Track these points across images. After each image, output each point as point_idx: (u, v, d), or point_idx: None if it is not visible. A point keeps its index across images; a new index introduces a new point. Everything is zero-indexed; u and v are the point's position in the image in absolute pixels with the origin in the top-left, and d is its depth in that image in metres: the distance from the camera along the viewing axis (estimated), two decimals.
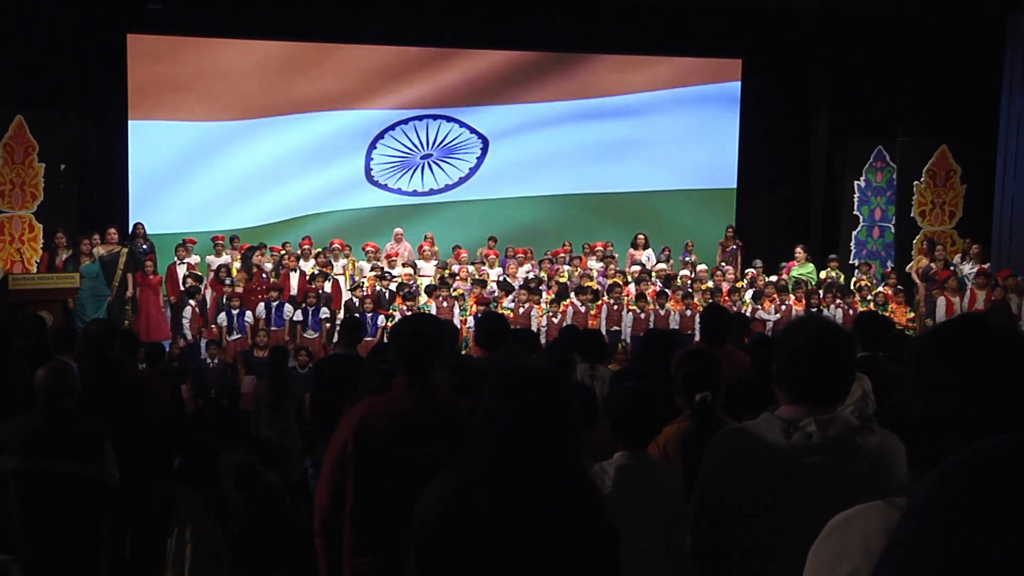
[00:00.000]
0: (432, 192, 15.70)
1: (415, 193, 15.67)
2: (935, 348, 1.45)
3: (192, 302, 11.56)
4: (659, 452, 3.56)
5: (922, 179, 14.52)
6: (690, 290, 12.18)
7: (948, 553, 0.81)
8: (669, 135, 16.00)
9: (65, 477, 3.78)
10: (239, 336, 11.15)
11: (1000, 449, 0.86)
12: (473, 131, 15.71)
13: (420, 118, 15.50)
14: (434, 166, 15.69)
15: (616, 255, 13.81)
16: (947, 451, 1.33)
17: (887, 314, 10.98)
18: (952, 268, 12.95)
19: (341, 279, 12.67)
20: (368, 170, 15.52)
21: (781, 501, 2.21)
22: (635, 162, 15.97)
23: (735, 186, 16.08)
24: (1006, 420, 1.32)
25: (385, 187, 15.56)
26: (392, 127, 15.47)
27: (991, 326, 1.48)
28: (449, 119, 15.61)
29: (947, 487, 0.86)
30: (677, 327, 11.25)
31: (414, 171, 15.64)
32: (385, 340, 9.56)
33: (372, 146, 15.48)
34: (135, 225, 13.30)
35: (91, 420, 3.98)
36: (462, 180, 15.78)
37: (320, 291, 11.73)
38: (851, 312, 11.59)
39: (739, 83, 15.82)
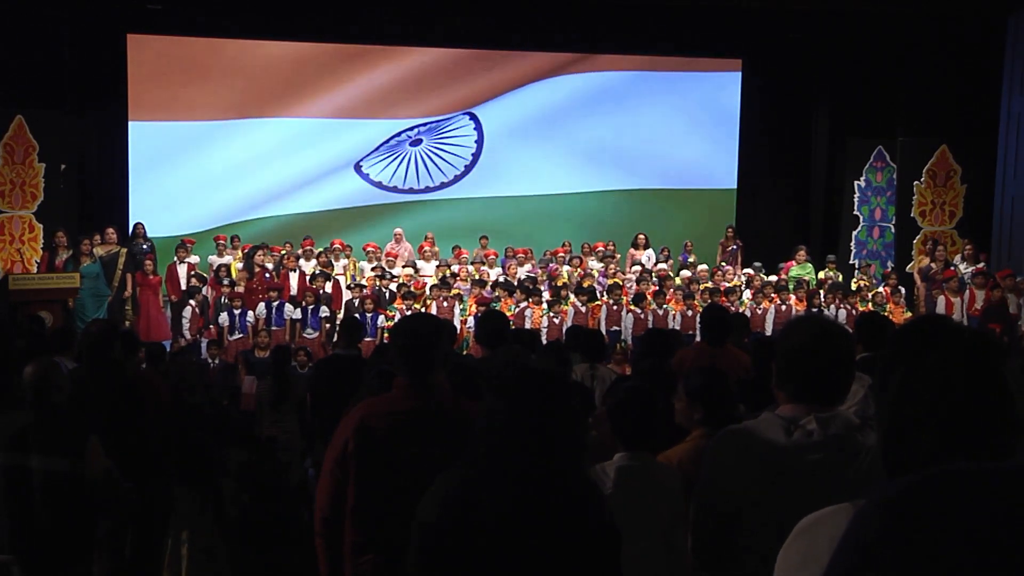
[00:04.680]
0: (428, 190, 15.68)
1: (411, 191, 15.63)
2: (901, 351, 1.44)
3: (192, 302, 11.56)
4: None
5: (922, 179, 14.52)
6: (690, 290, 12.19)
7: None
8: (669, 135, 15.99)
9: (48, 473, 3.78)
10: (240, 336, 11.15)
11: (931, 482, 0.87)
12: (471, 117, 15.68)
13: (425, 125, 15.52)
14: (427, 159, 15.65)
15: (618, 255, 13.81)
16: (914, 454, 1.33)
17: (885, 314, 10.96)
18: (953, 267, 12.95)
19: (342, 279, 12.66)
20: (358, 165, 15.48)
21: (782, 499, 2.21)
22: (635, 161, 15.96)
23: (735, 186, 16.08)
24: (971, 422, 1.31)
25: (380, 185, 15.53)
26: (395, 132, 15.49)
27: (957, 327, 1.48)
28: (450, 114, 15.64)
29: (878, 520, 0.88)
30: (677, 327, 11.25)
31: (404, 162, 15.57)
32: (385, 340, 9.56)
33: (375, 148, 15.47)
34: (135, 225, 13.30)
35: (77, 416, 3.98)
36: (457, 179, 15.76)
37: (321, 291, 11.73)
38: (854, 312, 11.56)
39: (739, 83, 15.82)
